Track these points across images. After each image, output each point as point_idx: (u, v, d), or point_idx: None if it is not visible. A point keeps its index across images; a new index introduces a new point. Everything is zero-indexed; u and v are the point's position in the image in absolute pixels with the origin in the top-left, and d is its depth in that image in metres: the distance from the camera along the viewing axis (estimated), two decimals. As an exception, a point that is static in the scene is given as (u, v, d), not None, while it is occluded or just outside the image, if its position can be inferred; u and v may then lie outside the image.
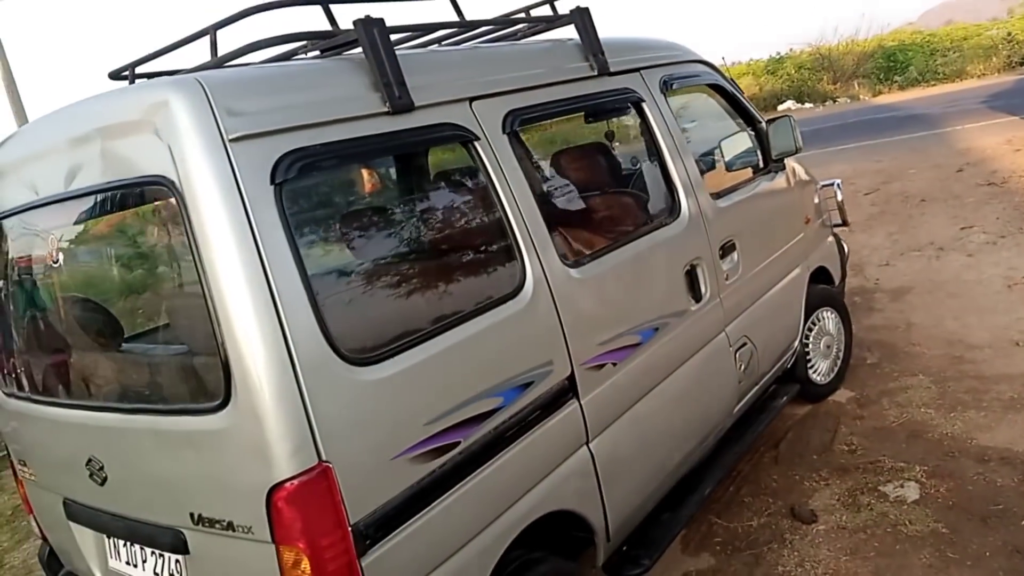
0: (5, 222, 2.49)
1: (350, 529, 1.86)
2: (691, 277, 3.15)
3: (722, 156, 3.71)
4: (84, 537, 2.53)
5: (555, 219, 2.56)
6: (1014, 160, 8.65)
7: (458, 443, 2.14)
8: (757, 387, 3.73)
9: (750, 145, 3.85)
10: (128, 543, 2.36)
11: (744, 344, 3.50)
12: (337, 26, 2.37)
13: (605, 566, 2.81)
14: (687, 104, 3.95)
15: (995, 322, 4.97)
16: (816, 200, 4.47)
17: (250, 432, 1.81)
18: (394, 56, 2.20)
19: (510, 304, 2.35)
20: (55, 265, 2.30)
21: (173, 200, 1.84)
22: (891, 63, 23.22)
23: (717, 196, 3.43)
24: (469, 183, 2.45)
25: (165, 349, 2.27)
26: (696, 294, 3.17)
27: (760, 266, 3.68)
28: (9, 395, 2.65)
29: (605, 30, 3.04)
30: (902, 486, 3.50)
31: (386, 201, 2.59)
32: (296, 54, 2.48)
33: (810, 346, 4.29)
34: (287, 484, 1.80)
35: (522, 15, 3.16)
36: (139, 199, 2.09)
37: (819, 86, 23.68)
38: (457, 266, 2.47)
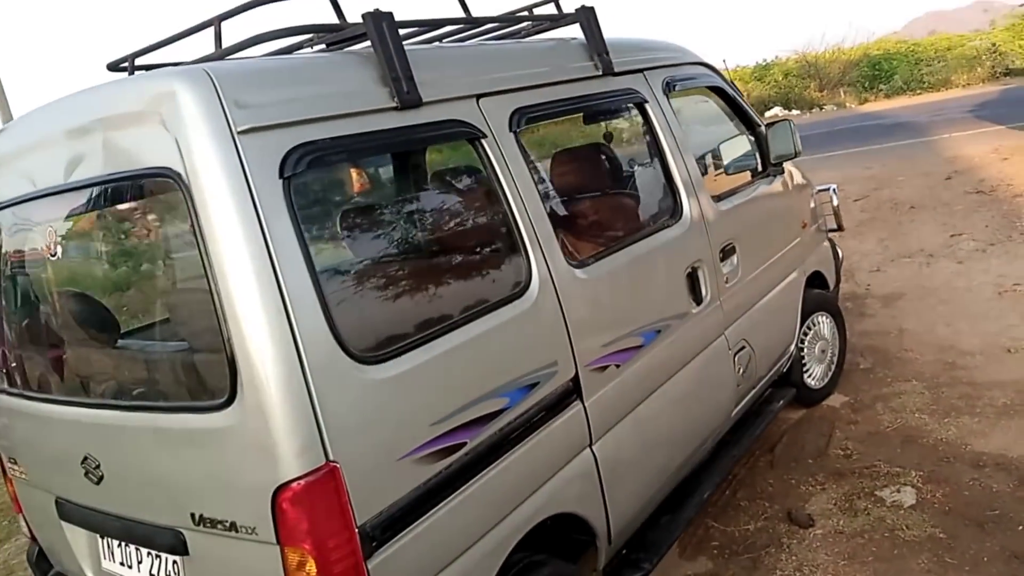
0: (2, 213, 2.42)
1: (357, 531, 1.83)
2: (692, 279, 3.14)
3: (722, 159, 3.70)
4: (76, 537, 2.48)
5: (560, 219, 2.53)
6: (1002, 169, 8.72)
7: (464, 444, 2.11)
8: (755, 390, 3.72)
9: (749, 148, 3.85)
10: (123, 543, 2.31)
11: (743, 347, 3.50)
12: (344, 19, 2.34)
13: (605, 569, 2.78)
14: (679, 109, 3.94)
15: (986, 329, 5.00)
16: (812, 205, 4.47)
17: (256, 430, 1.77)
18: (403, 50, 2.17)
19: (516, 304, 2.33)
20: (53, 258, 2.25)
21: (179, 193, 1.80)
22: (876, 72, 23.44)
23: (718, 199, 3.43)
24: (475, 181, 2.42)
25: (167, 345, 2.22)
26: (697, 297, 3.16)
27: (759, 270, 3.67)
28: (0, 391, 2.59)
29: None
30: (898, 491, 3.50)
31: (392, 198, 2.56)
32: (301, 47, 2.44)
33: (805, 350, 4.30)
34: (293, 484, 1.76)
35: (527, 13, 3.14)
36: (143, 191, 2.05)
37: (806, 93, 23.87)
38: (464, 265, 2.44)
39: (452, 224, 2.50)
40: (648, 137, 3.18)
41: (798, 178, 4.31)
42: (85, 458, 2.21)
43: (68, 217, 2.21)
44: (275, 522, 1.79)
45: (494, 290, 2.35)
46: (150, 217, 2.18)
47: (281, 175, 1.83)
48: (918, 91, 21.03)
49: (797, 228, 4.22)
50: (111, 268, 2.37)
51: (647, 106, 3.16)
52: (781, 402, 3.97)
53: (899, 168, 9.69)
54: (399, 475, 1.95)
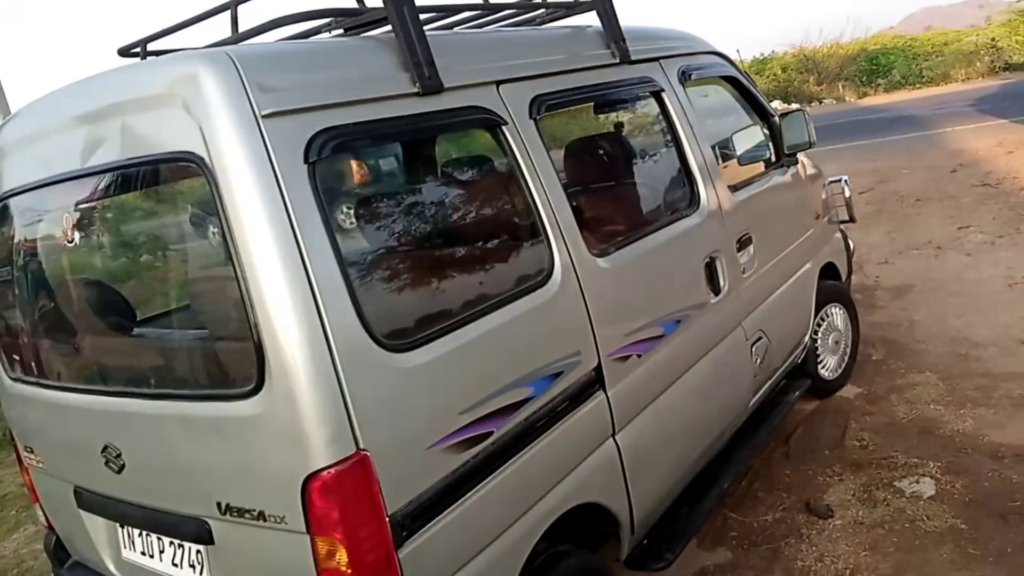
0: (14, 200, 2.39)
1: (387, 520, 1.80)
2: (710, 269, 3.11)
3: (736, 149, 3.68)
4: (96, 526, 2.45)
5: (580, 208, 2.50)
6: (1007, 162, 8.71)
7: (491, 433, 2.08)
8: (771, 381, 3.70)
9: (764, 139, 3.83)
10: (144, 533, 2.28)
11: (760, 338, 3.47)
12: (363, 3, 2.31)
13: (626, 560, 2.76)
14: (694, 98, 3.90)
15: (998, 321, 4.98)
16: (824, 196, 4.45)
17: (285, 418, 1.74)
18: (424, 35, 2.14)
19: (539, 292, 2.30)
20: (70, 245, 2.21)
21: (202, 178, 1.77)
22: (874, 66, 23.43)
23: (734, 189, 3.40)
24: (496, 169, 2.39)
25: (192, 333, 2.19)
26: (715, 287, 3.13)
27: (774, 260, 3.65)
28: (16, 380, 2.56)
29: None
30: (917, 482, 3.48)
31: (415, 185, 2.53)
32: (319, 32, 2.41)
33: (819, 341, 4.27)
34: (324, 473, 1.73)
35: (544, 0, 3.11)
36: (164, 176, 2.02)
37: (805, 87, 23.85)
38: (487, 253, 2.41)
39: (474, 212, 2.47)
40: (665, 126, 3.15)
41: (811, 169, 4.29)
42: (105, 447, 2.18)
43: (85, 203, 2.18)
44: (305, 511, 1.76)
45: (517, 278, 2.32)
46: (173, 203, 2.15)
47: (306, 160, 1.80)
48: (917, 85, 21.02)
49: (811, 219, 4.20)
50: (130, 254, 2.34)
51: (664, 95, 3.13)
52: (797, 393, 3.95)
53: (903, 161, 9.68)
54: (428, 464, 1.92)
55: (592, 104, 2.93)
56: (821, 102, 22.44)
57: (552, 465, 2.30)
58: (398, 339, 1.90)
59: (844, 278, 4.68)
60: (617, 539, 2.67)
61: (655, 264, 2.83)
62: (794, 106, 3.70)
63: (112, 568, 2.44)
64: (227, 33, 2.23)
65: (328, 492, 1.74)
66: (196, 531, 2.04)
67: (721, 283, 3.16)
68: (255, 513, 1.86)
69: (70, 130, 2.12)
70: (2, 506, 5.00)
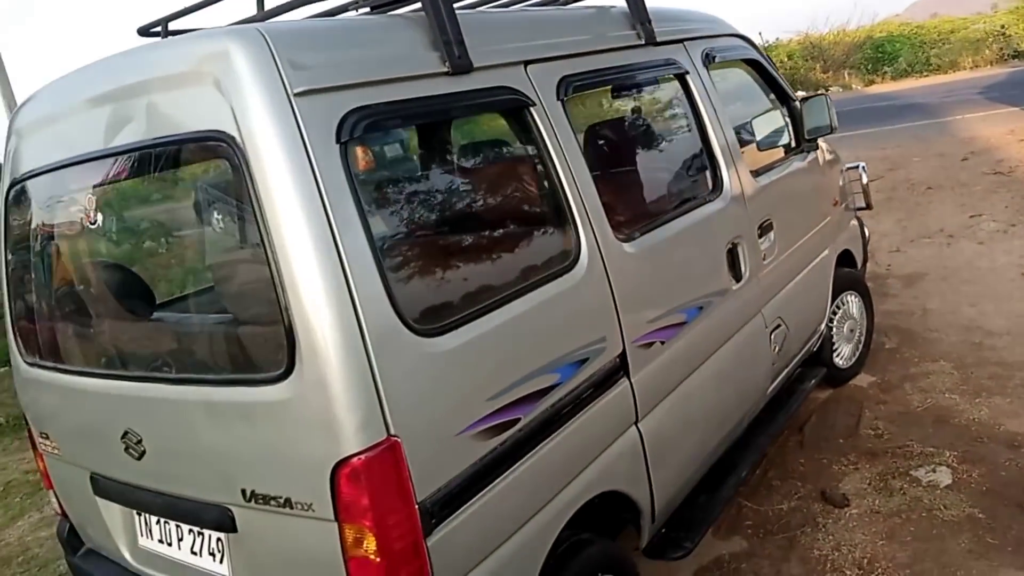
0: (32, 182, 2.35)
1: (417, 507, 1.78)
2: (732, 256, 3.08)
3: (758, 133, 3.64)
4: (112, 514, 2.42)
5: (605, 191, 2.47)
6: (1019, 150, 8.65)
7: (518, 420, 2.06)
8: (788, 369, 3.68)
9: (785, 123, 3.78)
10: (163, 520, 2.26)
11: (779, 325, 3.44)
12: (390, -19, 2.26)
13: (645, 549, 2.75)
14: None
15: (1012, 309, 4.95)
16: (841, 182, 4.41)
17: (315, 403, 1.71)
18: (454, 13, 2.10)
19: (566, 277, 2.27)
20: (92, 226, 2.17)
21: (233, 157, 1.73)
22: (880, 54, 23.27)
23: (756, 174, 3.36)
24: (524, 151, 2.35)
25: (219, 316, 2.15)
26: (736, 273, 3.10)
27: (794, 247, 3.62)
28: (33, 364, 2.53)
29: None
30: (934, 471, 3.46)
31: (444, 167, 2.49)
32: (345, 10, 2.36)
33: (834, 329, 4.24)
34: (354, 459, 1.70)
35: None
36: (192, 156, 1.98)
37: (811, 75, 23.69)
38: (515, 236, 2.37)
39: (502, 195, 2.43)
40: (688, 109, 3.11)
41: (829, 154, 4.25)
42: (126, 432, 2.15)
43: (108, 184, 2.14)
44: (334, 498, 1.74)
45: (545, 263, 2.29)
46: (197, 183, 2.11)
47: (338, 140, 1.76)
48: (925, 73, 20.90)
49: (829, 205, 4.16)
50: (154, 236, 2.30)
51: (688, 77, 3.08)
52: (813, 381, 3.93)
53: (914, 149, 9.62)
54: (457, 451, 1.90)
55: (617, 86, 2.89)
56: (827, 89, 22.28)
57: (577, 453, 2.28)
58: (428, 323, 1.87)
59: (860, 266, 4.65)
60: (636, 528, 2.65)
61: (679, 249, 2.79)
62: (819, 91, 3.65)
63: (128, 556, 2.42)
64: (248, 13, 2.19)
65: (358, 479, 1.71)
66: (218, 519, 2.02)
67: (743, 269, 3.13)
68: (281, 500, 1.84)
69: (92, 110, 2.08)
70: (6, 493, 4.99)
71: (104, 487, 2.39)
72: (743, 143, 3.48)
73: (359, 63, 1.89)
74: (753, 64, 3.77)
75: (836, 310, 4.24)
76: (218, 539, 2.10)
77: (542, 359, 2.15)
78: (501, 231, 2.37)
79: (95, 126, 2.05)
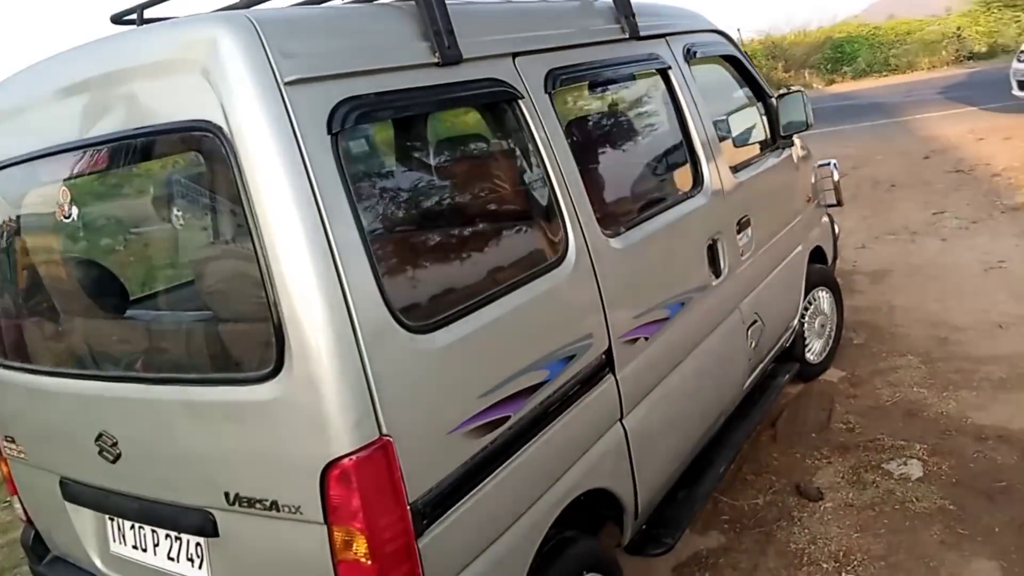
0: (2, 173, 2.24)
1: (409, 508, 1.74)
2: (712, 252, 3.09)
3: (735, 129, 3.65)
4: (82, 520, 2.34)
5: (591, 185, 2.45)
6: (978, 149, 8.84)
7: (508, 417, 2.04)
8: (763, 364, 3.71)
9: (762, 120, 3.80)
10: (138, 526, 2.18)
11: (755, 321, 3.47)
12: (378, -30, 2.21)
13: (627, 546, 2.74)
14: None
15: (976, 305, 5.05)
16: (813, 179, 4.45)
17: (306, 403, 1.67)
18: (444, 3, 2.06)
19: (555, 273, 2.25)
20: (67, 220, 2.09)
21: (220, 148, 1.67)
22: (839, 54, 23.60)
23: (734, 170, 3.38)
24: (513, 145, 2.32)
25: (202, 314, 2.08)
26: (716, 269, 3.11)
27: (769, 243, 3.65)
28: None
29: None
30: (905, 464, 3.52)
31: (433, 161, 2.44)
32: (330, -1, 2.30)
33: (806, 325, 4.29)
34: (345, 460, 1.66)
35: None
36: (175, 146, 1.91)
37: (773, 74, 23.95)
38: (504, 231, 2.35)
39: (491, 189, 2.40)
40: (670, 104, 3.11)
41: (802, 152, 4.29)
42: (100, 435, 2.07)
43: (83, 176, 2.05)
44: (324, 501, 1.69)
45: (534, 258, 2.27)
46: (182, 174, 2.03)
47: (329, 130, 1.71)
48: (884, 73, 21.25)
49: (803, 202, 4.21)
50: (132, 230, 2.22)
51: (670, 73, 3.08)
52: (786, 376, 3.97)
53: (876, 147, 9.77)
54: (448, 450, 1.87)
55: (602, 80, 2.87)
56: (789, 89, 22.54)
57: (564, 451, 2.26)
58: (420, 320, 1.83)
59: (830, 262, 4.71)
60: (618, 525, 2.65)
61: (663, 245, 2.79)
62: (795, 88, 3.67)
63: (99, 563, 2.34)
64: (226, 1, 2.12)
65: (349, 480, 1.67)
66: (199, 523, 1.95)
67: (722, 265, 3.14)
68: (267, 503, 1.78)
69: (66, 99, 1.99)
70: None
71: (75, 492, 2.30)
72: (721, 139, 3.50)
73: (349, 52, 1.85)
74: (731, 60, 3.78)
75: (808, 306, 4.29)
76: (197, 544, 2.04)
77: (531, 356, 2.13)
78: (490, 225, 2.34)
79: (70, 116, 1.96)
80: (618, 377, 2.48)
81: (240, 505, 1.83)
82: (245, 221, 1.66)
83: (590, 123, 3.03)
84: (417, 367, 1.80)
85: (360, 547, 1.70)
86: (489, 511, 1.98)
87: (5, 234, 2.38)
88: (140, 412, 2.01)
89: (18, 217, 2.35)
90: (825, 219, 4.65)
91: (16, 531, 3.51)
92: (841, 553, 3.04)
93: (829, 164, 4.66)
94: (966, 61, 19.96)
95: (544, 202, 2.30)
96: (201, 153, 1.84)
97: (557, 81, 2.43)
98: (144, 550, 2.18)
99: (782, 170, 3.94)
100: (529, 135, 2.26)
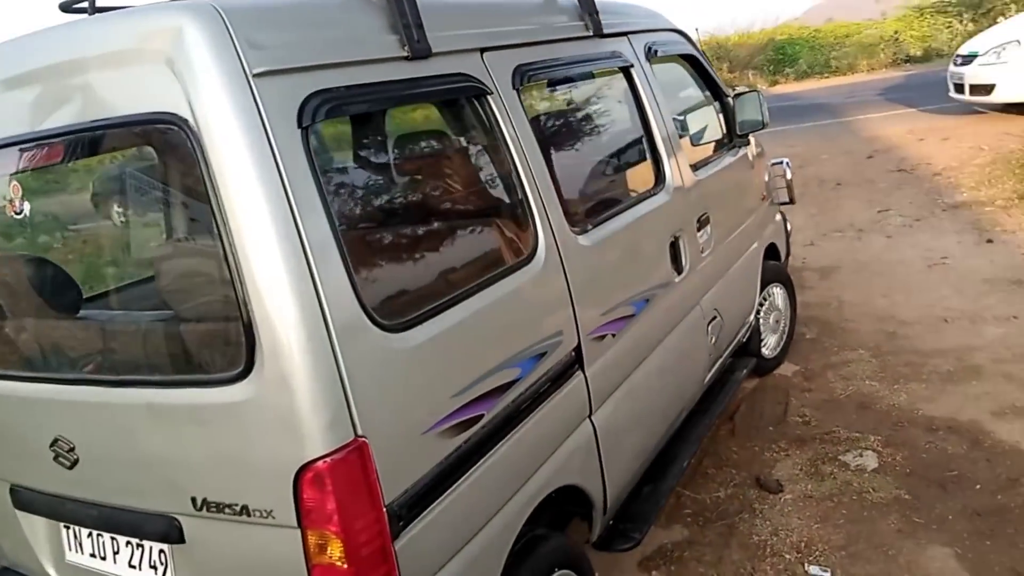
0: None
1: (385, 510, 1.71)
2: (675, 249, 3.11)
3: (693, 128, 3.68)
4: (34, 528, 2.24)
5: (558, 183, 2.44)
6: (919, 149, 9.10)
7: (482, 416, 2.01)
8: (721, 359, 3.76)
9: (719, 119, 3.84)
10: (96, 533, 2.10)
11: (715, 317, 3.51)
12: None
13: (595, 542, 2.74)
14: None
15: (921, 300, 5.20)
16: (767, 177, 4.53)
17: (277, 404, 1.62)
18: None
19: (525, 270, 2.23)
20: (18, 217, 1.99)
21: (186, 142, 1.61)
22: (781, 56, 24.10)
23: (694, 168, 3.41)
24: (482, 141, 2.30)
25: (164, 312, 2.01)
26: (678, 266, 3.14)
27: (727, 240, 3.69)
28: None
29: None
30: (861, 455, 3.60)
31: (403, 157, 2.40)
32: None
33: (761, 320, 4.36)
34: (319, 462, 1.62)
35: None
36: (135, 139, 1.84)
37: (718, 75, 24.31)
38: (475, 227, 2.32)
39: (461, 185, 2.37)
40: (633, 103, 3.12)
41: (757, 150, 4.35)
42: (56, 440, 1.99)
43: (35, 170, 1.96)
44: (297, 504, 1.65)
45: (505, 256, 2.25)
46: (145, 169, 1.96)
47: (300, 124, 1.67)
48: (825, 75, 21.76)
49: (758, 200, 4.28)
50: (95, 228, 2.13)
51: (632, 71, 3.10)
52: (744, 371, 4.02)
53: (821, 147, 9.99)
54: (423, 450, 1.84)
55: (567, 77, 2.87)
56: (734, 89, 22.92)
57: (536, 448, 2.25)
58: (393, 319, 1.80)
59: (783, 259, 4.80)
60: (586, 521, 2.65)
61: (628, 242, 2.80)
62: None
63: (53, 573, 2.24)
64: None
65: (324, 483, 1.63)
66: (164, 529, 1.88)
67: (683, 262, 3.16)
68: (237, 508, 1.73)
69: (16, 90, 1.90)
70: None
71: (26, 500, 2.21)
72: (681, 137, 3.53)
73: (319, 44, 1.80)
74: (690, 60, 3.82)
75: (763, 302, 4.36)
76: (160, 551, 1.97)
77: (503, 354, 2.11)
78: (461, 222, 2.32)
79: (21, 108, 1.88)
80: (587, 374, 2.48)
81: (208, 510, 1.77)
82: (212, 217, 1.61)
83: (555, 120, 3.03)
84: (391, 366, 1.77)
85: (335, 551, 1.66)
86: (464, 511, 1.96)
87: None
88: (98, 416, 1.93)
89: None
90: (778, 217, 4.74)
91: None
92: (803, 544, 3.09)
93: (782, 163, 4.74)
94: (903, 64, 20.54)
95: (514, 199, 2.28)
96: (164, 146, 1.77)
97: (525, 77, 2.41)
98: (103, 558, 2.10)
99: (739, 168, 4.00)
100: (499, 131, 2.25)
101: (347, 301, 1.67)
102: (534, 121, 2.50)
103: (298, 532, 1.67)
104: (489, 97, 2.24)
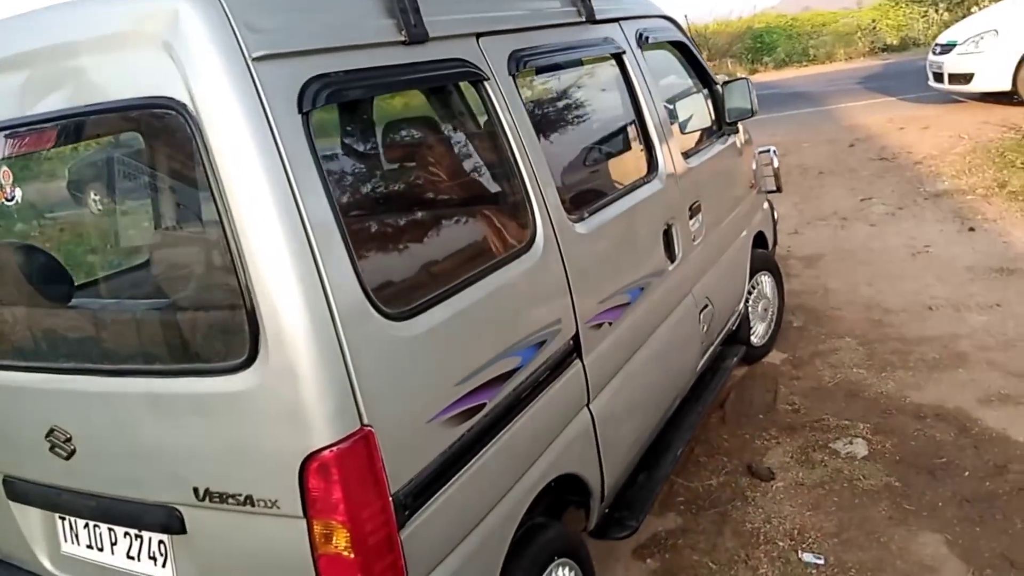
0: None
1: (391, 499, 1.69)
2: (668, 237, 3.11)
3: (683, 116, 3.67)
4: (28, 520, 2.20)
5: (554, 170, 2.43)
6: (900, 137, 9.17)
7: (484, 405, 2.00)
8: (713, 347, 3.77)
9: (708, 106, 3.83)
10: (92, 524, 2.06)
11: (707, 305, 3.51)
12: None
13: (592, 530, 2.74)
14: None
15: (906, 288, 5.24)
16: (754, 165, 4.54)
17: (282, 393, 1.60)
18: None
19: (524, 258, 2.22)
20: (9, 203, 1.94)
21: (184, 127, 1.58)
22: (759, 44, 24.20)
23: (685, 156, 3.40)
24: (479, 128, 2.28)
25: (164, 301, 1.97)
26: (671, 254, 3.13)
27: (717, 228, 3.69)
28: None
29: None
30: (851, 443, 3.62)
31: (401, 144, 2.37)
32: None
33: (750, 308, 4.38)
34: (326, 452, 1.60)
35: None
36: (130, 124, 1.81)
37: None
38: (474, 216, 2.30)
39: (461, 172, 2.35)
40: (625, 89, 3.10)
41: (745, 138, 4.36)
42: (52, 431, 1.95)
43: (29, 155, 1.92)
44: (303, 494, 1.63)
45: (504, 243, 2.23)
46: (141, 155, 1.91)
47: (300, 109, 1.64)
48: (804, 63, 21.88)
49: (746, 188, 4.28)
50: (89, 216, 2.08)
51: (624, 57, 3.08)
52: (734, 359, 4.04)
53: (803, 135, 10.04)
54: (427, 439, 1.82)
55: (560, 63, 2.84)
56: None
57: (536, 437, 2.24)
58: (395, 307, 1.78)
59: (771, 247, 4.82)
60: (584, 509, 2.65)
61: (624, 230, 2.79)
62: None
63: (48, 564, 2.20)
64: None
65: (330, 472, 1.61)
66: (164, 520, 1.86)
67: (676, 251, 3.16)
68: (241, 498, 1.71)
69: (5, 74, 1.85)
70: None
71: (20, 491, 2.17)
72: (671, 125, 3.52)
73: (317, 28, 1.77)
74: (679, 47, 3.81)
75: (752, 290, 4.38)
76: (160, 542, 1.94)
77: (504, 342, 2.10)
78: (460, 209, 2.30)
79: (9, 92, 1.83)
80: (585, 362, 2.47)
81: (211, 500, 1.75)
82: (213, 203, 1.58)
83: (550, 107, 3.00)
84: (394, 355, 1.75)
85: (341, 540, 1.64)
86: (467, 500, 1.95)
87: None
88: (96, 406, 1.89)
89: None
90: (766, 205, 4.75)
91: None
92: (795, 531, 3.11)
93: (769, 151, 4.75)
94: (880, 53, 20.69)
95: (512, 186, 2.26)
96: (160, 132, 1.73)
97: (520, 63, 2.39)
98: (100, 549, 2.07)
99: (728, 156, 4.00)
100: (496, 118, 2.22)
101: (351, 289, 1.65)
102: (529, 108, 2.47)
103: (303, 522, 1.65)
104: (486, 83, 2.21)
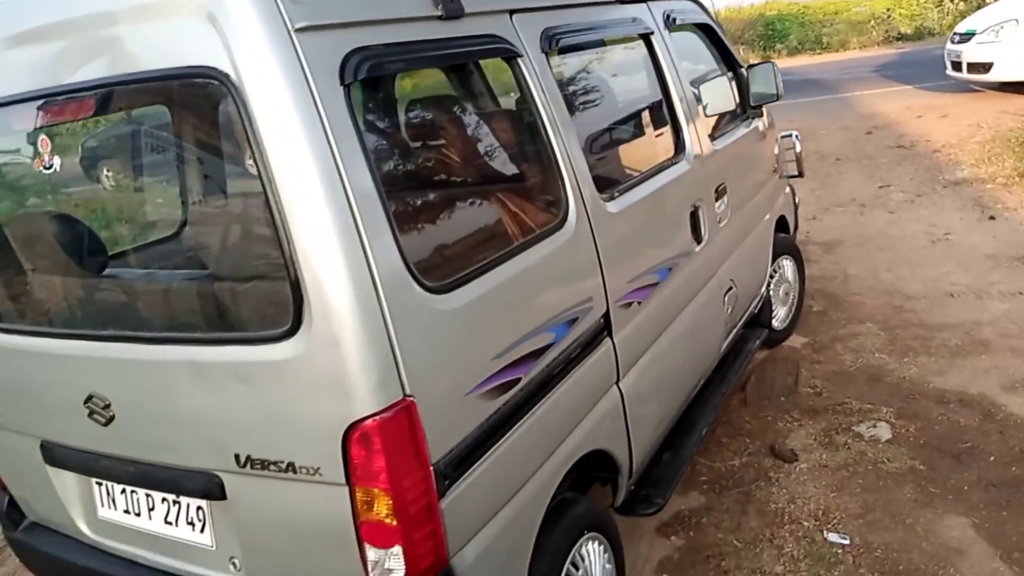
0: None
1: (432, 469, 1.70)
2: (695, 218, 3.11)
3: (709, 99, 3.65)
4: (65, 484, 2.24)
5: (586, 148, 2.43)
6: (918, 125, 9.11)
7: (519, 379, 2.01)
8: (736, 329, 3.77)
9: (733, 89, 3.81)
10: (130, 490, 2.09)
11: (731, 287, 3.51)
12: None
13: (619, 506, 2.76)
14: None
15: (926, 275, 5.22)
16: (776, 150, 4.52)
17: (326, 363, 1.61)
18: None
19: (557, 235, 2.22)
20: (47, 171, 1.95)
21: (228, 97, 1.58)
22: (771, 31, 24.04)
23: (711, 138, 3.39)
24: (514, 104, 2.28)
25: (208, 270, 1.98)
26: (697, 236, 3.13)
27: (741, 212, 3.68)
28: None
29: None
30: (874, 426, 3.62)
31: (438, 118, 2.37)
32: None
33: (772, 292, 4.37)
34: (369, 421, 1.61)
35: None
36: (172, 94, 1.81)
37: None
38: (510, 192, 2.30)
39: (496, 149, 2.35)
40: (653, 70, 3.09)
41: (769, 122, 4.34)
42: (90, 397, 1.97)
43: (72, 124, 1.92)
44: (346, 462, 1.64)
45: (539, 220, 2.24)
46: (185, 124, 1.92)
47: (342, 81, 1.64)
48: (817, 51, 21.74)
49: (769, 172, 4.27)
50: (131, 184, 2.09)
51: (652, 38, 3.07)
52: (757, 341, 4.03)
53: (819, 122, 9.99)
54: (466, 411, 1.84)
55: (591, 42, 2.83)
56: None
57: (568, 413, 2.26)
58: (435, 280, 1.79)
59: (792, 231, 4.80)
60: (612, 485, 2.66)
61: (653, 210, 2.79)
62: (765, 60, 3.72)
63: (85, 528, 2.24)
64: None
65: (372, 441, 1.62)
66: (204, 486, 1.88)
67: (703, 232, 3.15)
68: (283, 465, 1.72)
69: (45, 41, 1.86)
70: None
71: (58, 456, 2.19)
72: (698, 106, 3.50)
73: (356, 0, 1.77)
74: (705, 29, 3.79)
75: (773, 273, 4.37)
76: (199, 507, 1.96)
77: (539, 318, 2.10)
78: (497, 186, 2.30)
79: (49, 60, 1.84)
80: (615, 340, 2.48)
81: (252, 467, 1.77)
82: (258, 175, 1.58)
83: (581, 85, 3.00)
84: (435, 328, 1.76)
85: (383, 508, 1.66)
86: (503, 473, 1.96)
87: None
88: (136, 373, 1.91)
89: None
90: (788, 189, 4.73)
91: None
92: (820, 512, 3.11)
93: (791, 135, 4.72)
94: (895, 42, 20.55)
95: (545, 163, 2.26)
96: (201, 101, 1.74)
97: (552, 41, 2.38)
98: (137, 514, 2.10)
99: (752, 140, 3.98)
100: (529, 95, 2.22)
101: (393, 260, 1.66)
102: (561, 86, 2.47)
103: (346, 489, 1.67)
104: (520, 60, 2.21)
